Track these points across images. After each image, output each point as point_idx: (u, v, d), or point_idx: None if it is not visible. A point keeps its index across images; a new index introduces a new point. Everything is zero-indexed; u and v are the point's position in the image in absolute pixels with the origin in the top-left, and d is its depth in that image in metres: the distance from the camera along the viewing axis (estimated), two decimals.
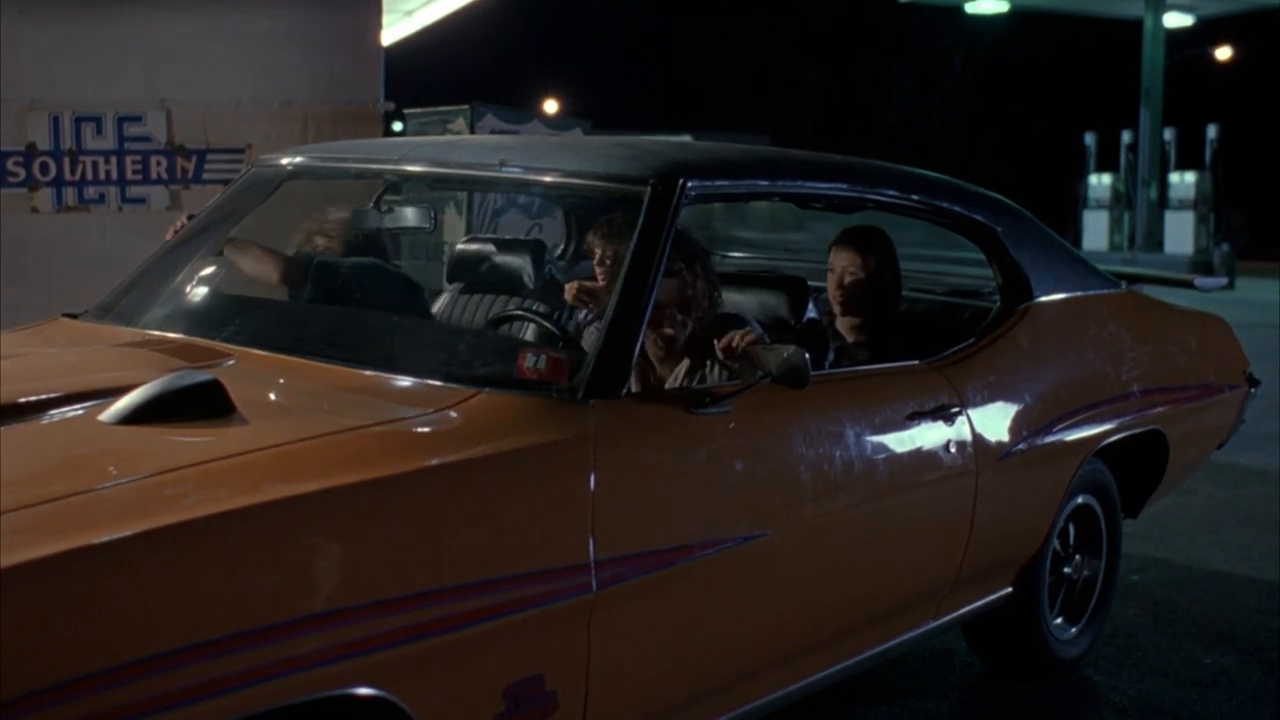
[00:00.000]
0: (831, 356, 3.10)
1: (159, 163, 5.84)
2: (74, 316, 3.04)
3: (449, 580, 2.00)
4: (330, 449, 2.07)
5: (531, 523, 2.15)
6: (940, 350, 3.19)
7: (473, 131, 7.04)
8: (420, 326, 3.22)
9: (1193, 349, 4.05)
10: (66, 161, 5.72)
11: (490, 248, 3.88)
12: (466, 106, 7.20)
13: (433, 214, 3.31)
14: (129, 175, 5.82)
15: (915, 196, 3.32)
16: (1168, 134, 22.94)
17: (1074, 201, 24.32)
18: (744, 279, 3.41)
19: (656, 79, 43.22)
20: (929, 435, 2.97)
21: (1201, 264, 19.98)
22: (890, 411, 2.90)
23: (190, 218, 3.42)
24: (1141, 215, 22.91)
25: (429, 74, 28.86)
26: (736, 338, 2.57)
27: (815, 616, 2.78)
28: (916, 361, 3.12)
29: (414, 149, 3.21)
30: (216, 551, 1.80)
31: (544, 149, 3.18)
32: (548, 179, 2.85)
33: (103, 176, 5.78)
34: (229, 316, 2.89)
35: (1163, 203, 22.46)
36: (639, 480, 2.33)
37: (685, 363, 2.81)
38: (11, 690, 1.57)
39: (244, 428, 2.14)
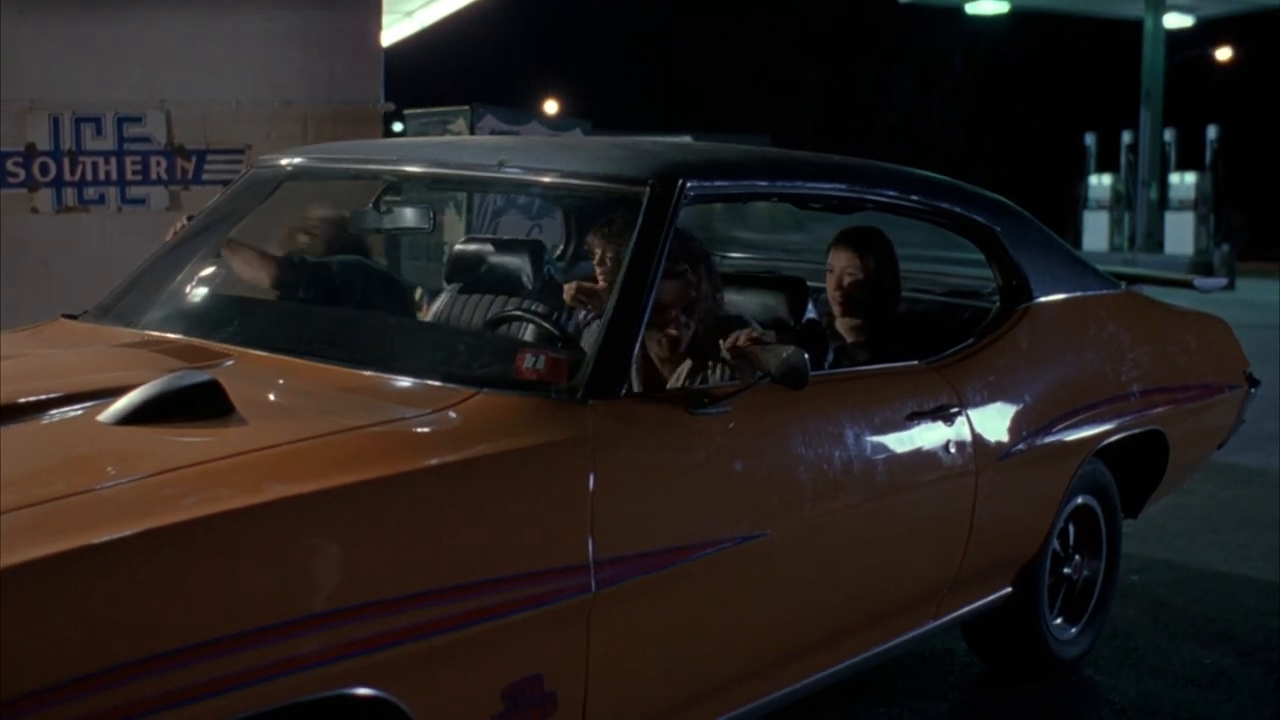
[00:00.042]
0: (831, 357, 3.10)
1: (159, 163, 5.84)
2: (73, 317, 3.04)
3: (448, 580, 2.00)
4: (329, 449, 2.07)
5: (530, 523, 2.15)
6: (940, 350, 3.19)
7: (472, 132, 7.04)
8: (419, 327, 3.23)
9: (1192, 349, 4.05)
10: (66, 162, 5.72)
11: (489, 248, 3.89)
12: (466, 107, 7.20)
13: (432, 214, 3.31)
14: (129, 176, 5.82)
15: (915, 197, 3.32)
16: (1168, 135, 22.94)
17: (1074, 202, 24.32)
18: (743, 280, 3.41)
19: (656, 79, 43.23)
20: (928, 435, 2.97)
21: (1202, 265, 19.97)
22: (890, 412, 2.90)
23: (190, 219, 3.43)
24: (1142, 216, 22.90)
25: (429, 74, 28.89)
26: (743, 336, 2.58)
27: (815, 616, 2.78)
28: (916, 362, 3.12)
29: (413, 150, 3.21)
30: (215, 552, 1.80)
31: (543, 149, 3.18)
32: (547, 180, 2.86)
33: (102, 177, 5.78)
34: (228, 317, 2.89)
35: (1163, 203, 22.45)
36: (638, 480, 2.34)
37: (687, 364, 2.81)
38: (11, 690, 1.57)
39: (243, 428, 2.15)
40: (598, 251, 3.51)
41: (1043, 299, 3.47)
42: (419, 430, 2.22)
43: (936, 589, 3.13)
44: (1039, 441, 3.29)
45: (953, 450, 3.02)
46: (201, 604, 1.75)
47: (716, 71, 40.61)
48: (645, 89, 42.80)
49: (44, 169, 5.70)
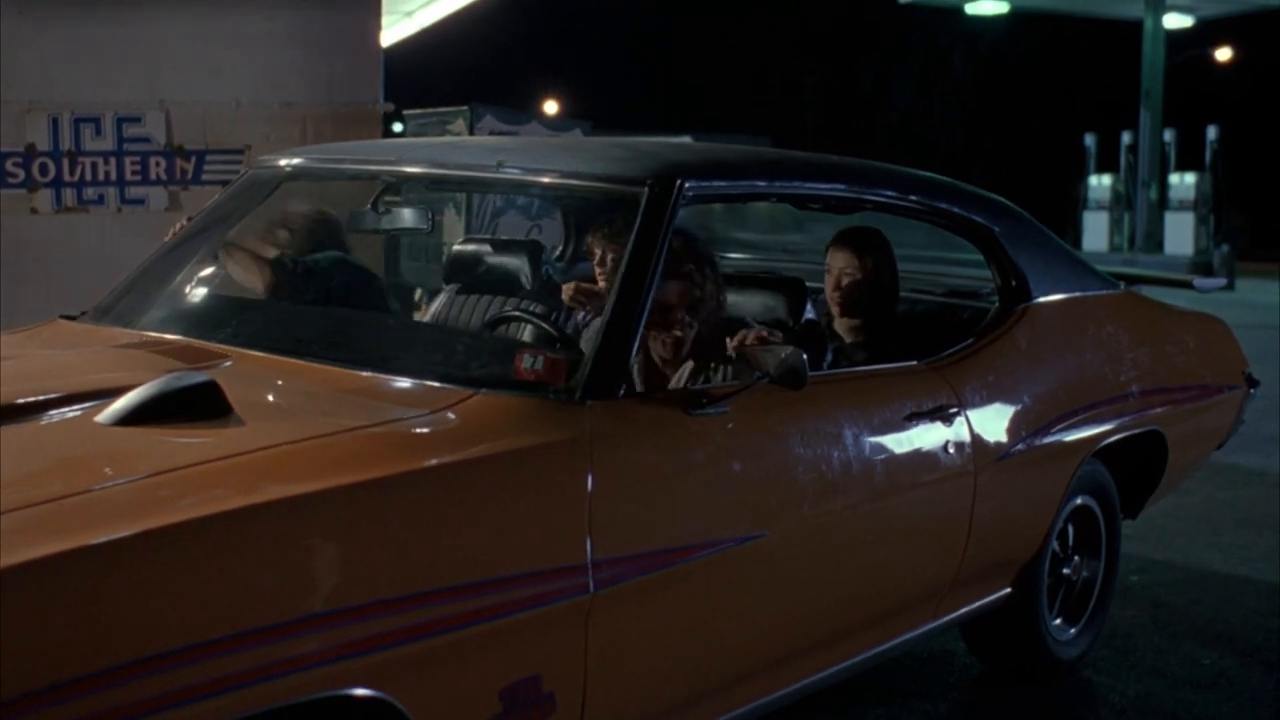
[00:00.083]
0: (829, 357, 3.10)
1: (158, 164, 5.84)
2: (72, 318, 3.04)
3: (446, 581, 2.00)
4: (327, 450, 2.07)
5: (529, 523, 2.15)
6: (938, 351, 3.19)
7: (472, 132, 7.05)
8: (417, 327, 3.23)
9: (1191, 349, 4.05)
10: (66, 162, 5.72)
11: (487, 249, 3.89)
12: (466, 107, 7.21)
13: (430, 215, 3.31)
14: (128, 176, 5.82)
15: (914, 197, 3.32)
16: (1168, 135, 22.93)
17: (1074, 202, 24.31)
18: (743, 280, 3.41)
19: (656, 80, 43.25)
20: (927, 436, 2.97)
21: (1201, 265, 19.97)
22: (888, 412, 2.90)
23: (190, 219, 3.42)
24: (1141, 216, 22.89)
25: (429, 75, 28.90)
26: (751, 336, 2.57)
27: (813, 617, 2.78)
28: (915, 362, 3.12)
29: (412, 150, 3.21)
30: (213, 552, 1.80)
31: (542, 150, 3.19)
32: (545, 180, 2.86)
33: (102, 177, 5.78)
34: (226, 318, 2.90)
35: (1163, 204, 22.44)
36: (637, 481, 2.33)
37: (690, 365, 2.81)
38: (11, 690, 1.57)
39: (241, 429, 2.15)
40: (598, 252, 3.51)
41: (1042, 299, 3.47)
42: (417, 431, 2.22)
43: (935, 589, 3.13)
44: (1038, 442, 3.29)
45: (951, 450, 3.01)
46: (200, 604, 1.75)
47: (716, 72, 40.63)
48: (645, 89, 42.83)
49: (43, 169, 5.70)
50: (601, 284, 3.48)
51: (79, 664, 1.63)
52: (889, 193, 3.25)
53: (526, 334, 3.09)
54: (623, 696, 2.35)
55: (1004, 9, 24.35)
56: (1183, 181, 21.85)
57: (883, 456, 2.84)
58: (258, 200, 3.31)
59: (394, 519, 1.99)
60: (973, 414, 3.09)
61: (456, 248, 4.01)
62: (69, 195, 5.75)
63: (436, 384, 2.36)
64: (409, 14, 10.12)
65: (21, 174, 5.66)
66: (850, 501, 2.76)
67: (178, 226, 3.44)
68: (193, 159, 5.88)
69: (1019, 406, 3.26)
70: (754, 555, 2.52)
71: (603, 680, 2.26)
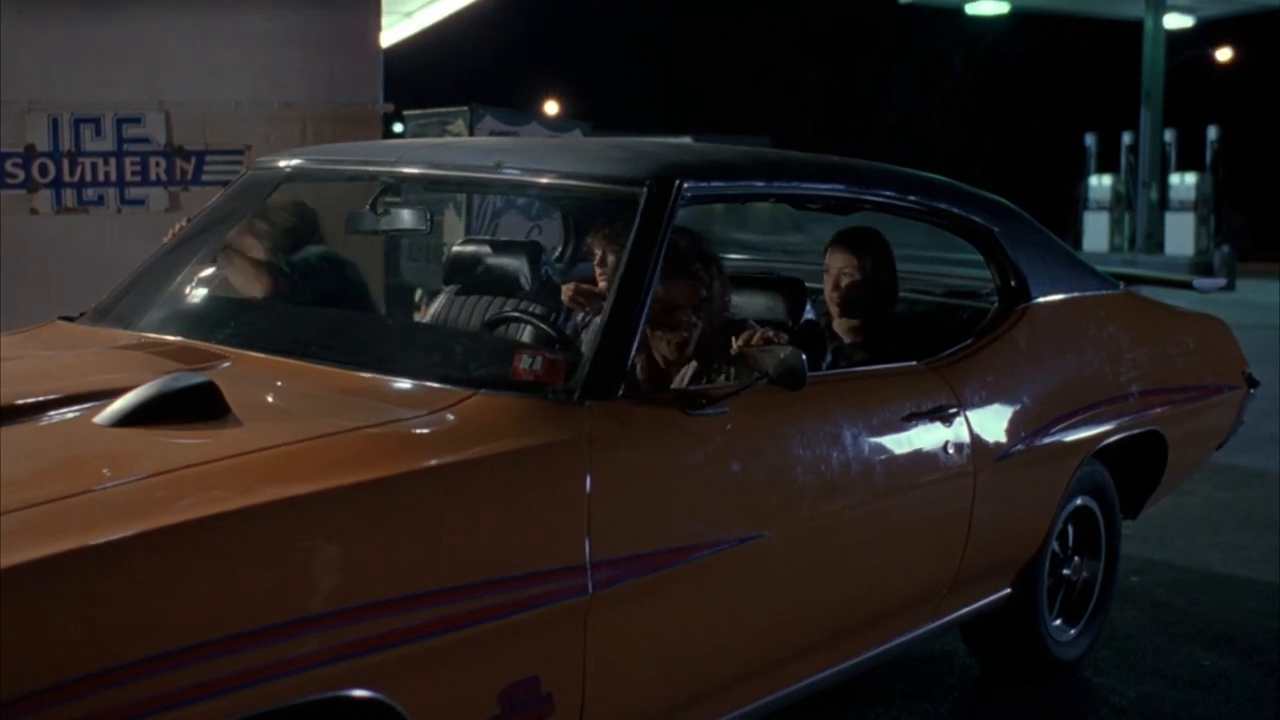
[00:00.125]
0: (829, 358, 3.10)
1: (158, 164, 5.84)
2: (71, 319, 3.04)
3: (444, 582, 2.00)
4: (325, 450, 2.07)
5: (527, 524, 2.15)
6: (938, 351, 3.19)
7: (472, 133, 7.05)
8: (416, 328, 3.22)
9: (1191, 350, 4.05)
10: (65, 163, 5.72)
11: (487, 249, 3.89)
12: (465, 108, 7.20)
13: (429, 216, 3.31)
14: (128, 177, 5.82)
15: (913, 198, 3.32)
16: (1168, 135, 22.93)
17: (1074, 203, 24.31)
18: (742, 281, 3.40)
19: (656, 80, 43.24)
20: (926, 436, 2.96)
21: (1202, 265, 19.96)
22: (888, 412, 2.90)
23: (189, 220, 3.43)
24: (1142, 217, 22.89)
25: (429, 75, 28.90)
26: (756, 335, 2.58)
27: (813, 618, 2.78)
28: (914, 362, 3.12)
29: (411, 151, 3.21)
30: (212, 553, 1.80)
31: (540, 151, 3.19)
32: (544, 181, 2.85)
33: (102, 178, 5.78)
34: (225, 319, 2.89)
35: (1163, 204, 22.44)
36: (635, 482, 2.33)
37: (693, 366, 2.81)
38: (11, 690, 1.57)
39: (239, 429, 2.14)
40: (598, 253, 3.51)
41: (1041, 299, 3.47)
42: (416, 431, 2.22)
43: (935, 590, 3.13)
44: (1037, 442, 3.29)
45: (951, 451, 3.01)
46: (198, 605, 1.75)
47: (716, 72, 40.63)
48: (645, 90, 42.82)
49: (43, 170, 5.70)
50: (602, 285, 3.48)
51: (78, 664, 1.63)
52: (888, 193, 3.25)
53: (526, 335, 3.09)
54: (621, 697, 2.35)
55: (1004, 9, 24.35)
56: (1183, 182, 21.85)
57: (882, 457, 2.84)
58: (257, 201, 3.31)
59: (392, 520, 1.99)
60: (972, 414, 3.09)
61: (456, 248, 4.01)
62: (69, 196, 5.75)
63: (435, 385, 2.36)
64: (409, 14, 10.12)
65: (21, 174, 5.66)
66: (849, 502, 2.76)
67: (176, 228, 3.44)
68: (192, 159, 5.89)
69: (1018, 407, 3.26)
70: (753, 556, 2.52)
71: (601, 681, 2.26)
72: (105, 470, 1.96)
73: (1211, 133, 21.91)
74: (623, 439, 2.33)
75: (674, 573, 2.35)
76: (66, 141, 5.72)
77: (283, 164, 3.25)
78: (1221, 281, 5.26)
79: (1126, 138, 23.74)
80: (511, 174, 2.86)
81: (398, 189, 3.61)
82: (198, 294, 3.09)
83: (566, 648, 2.20)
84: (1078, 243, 22.64)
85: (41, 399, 2.26)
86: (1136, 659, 3.84)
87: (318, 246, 3.53)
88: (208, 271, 3.15)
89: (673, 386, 2.79)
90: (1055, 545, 3.55)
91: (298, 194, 3.53)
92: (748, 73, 39.87)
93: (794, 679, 2.77)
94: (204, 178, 5.85)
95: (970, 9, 24.55)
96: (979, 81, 36.56)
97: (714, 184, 2.78)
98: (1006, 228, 3.48)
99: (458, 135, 7.08)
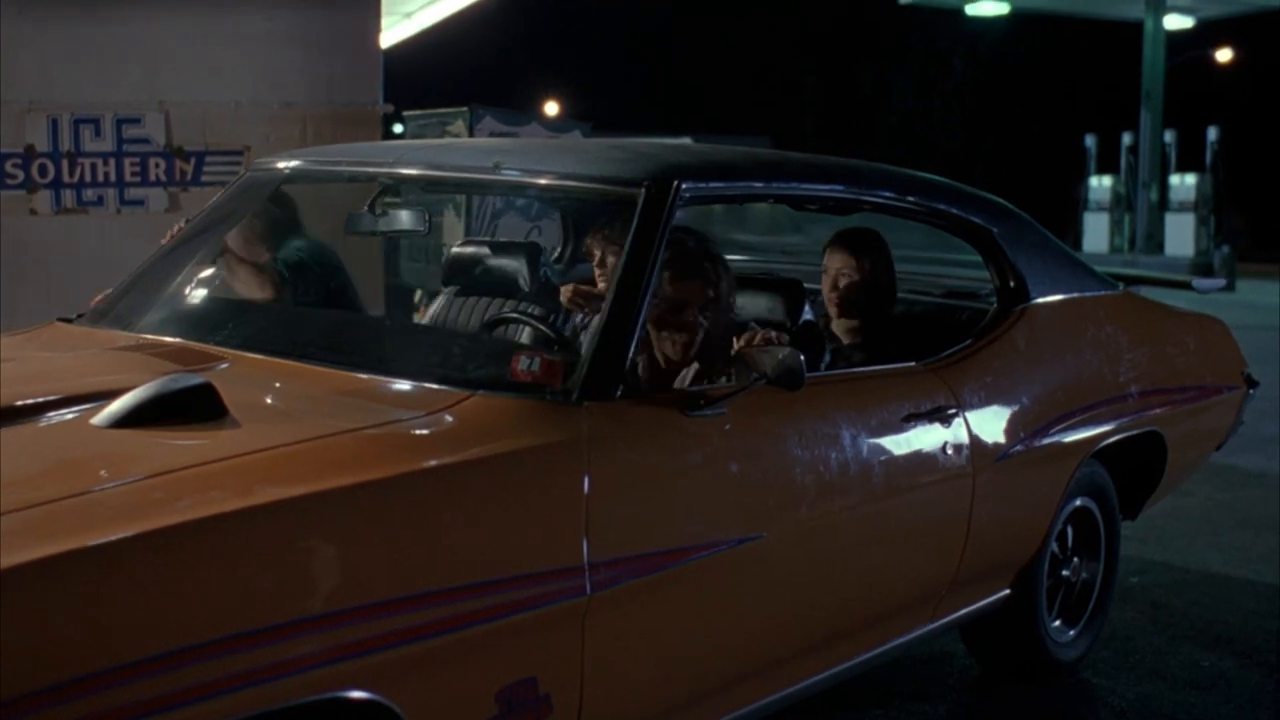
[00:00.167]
0: (827, 359, 3.10)
1: (157, 165, 5.84)
2: (69, 321, 3.04)
3: (442, 583, 2.00)
4: (323, 451, 2.07)
5: (525, 525, 2.15)
6: (937, 352, 3.18)
7: (471, 133, 7.05)
8: (414, 329, 3.22)
9: (1190, 350, 4.04)
10: (65, 163, 5.72)
11: (486, 250, 3.89)
12: (465, 108, 7.21)
13: (427, 217, 3.31)
14: (127, 177, 5.82)
15: (912, 198, 3.31)
16: (1168, 136, 22.92)
17: (1074, 204, 24.30)
18: (741, 281, 3.40)
19: (657, 81, 43.25)
20: (925, 437, 2.96)
21: (1202, 266, 19.96)
22: (886, 413, 2.90)
23: (187, 221, 3.43)
24: (1142, 217, 22.88)
25: (429, 76, 28.90)
26: (759, 336, 2.58)
27: (811, 619, 2.78)
28: (913, 363, 3.11)
29: (409, 152, 3.21)
30: (209, 554, 1.80)
31: (539, 151, 3.18)
32: (542, 181, 2.85)
33: (101, 178, 5.78)
34: (223, 320, 2.90)
35: (1163, 205, 22.43)
36: (633, 482, 2.33)
37: (694, 366, 2.80)
38: (10, 690, 1.58)
39: (236, 430, 2.14)
40: (597, 254, 3.51)
41: (1040, 300, 3.46)
42: (414, 432, 2.22)
43: (934, 591, 3.12)
44: (1036, 443, 3.29)
45: (950, 452, 3.01)
46: (195, 607, 1.75)
47: (716, 73, 40.63)
48: (645, 90, 42.83)
49: (43, 170, 5.70)
50: (601, 286, 3.48)
51: (77, 665, 1.63)
52: (887, 194, 3.25)
53: (524, 336, 3.08)
54: (619, 698, 2.35)
55: (1004, 10, 24.35)
56: (1183, 183, 21.84)
57: (880, 458, 2.84)
58: (256, 202, 3.31)
59: (390, 521, 1.99)
60: (971, 415, 3.09)
61: (455, 250, 4.01)
62: (68, 196, 5.75)
63: (433, 386, 2.36)
64: (409, 15, 10.12)
65: (21, 175, 5.66)
66: (848, 503, 2.75)
67: (175, 229, 3.44)
68: (192, 160, 5.88)
69: (1017, 407, 3.25)
70: (751, 557, 2.51)
71: (599, 682, 2.26)
72: (103, 471, 1.96)
73: (1211, 133, 21.90)
74: (621, 440, 2.33)
75: (672, 574, 2.35)
76: (66, 142, 5.72)
77: (281, 165, 3.25)
78: (1220, 282, 5.25)
79: (1126, 138, 23.74)
80: (510, 175, 2.86)
81: (397, 190, 3.61)
82: (196, 295, 3.09)
83: (564, 649, 2.19)
84: (1078, 244, 22.64)
85: (40, 400, 2.25)
86: (1136, 660, 3.84)
87: (298, 240, 3.56)
88: (206, 273, 3.15)
89: (675, 387, 2.78)
90: (1054, 546, 3.55)
91: (319, 203, 3.57)
92: (748, 73, 39.87)
93: (792, 680, 2.77)
94: (203, 178, 5.85)
95: (970, 10, 24.55)
96: (979, 82, 36.56)
97: (712, 185, 2.78)
98: (1005, 228, 3.48)
99: (457, 136, 7.08)
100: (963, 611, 3.27)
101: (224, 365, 2.52)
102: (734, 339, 2.65)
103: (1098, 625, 3.79)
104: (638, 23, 43.58)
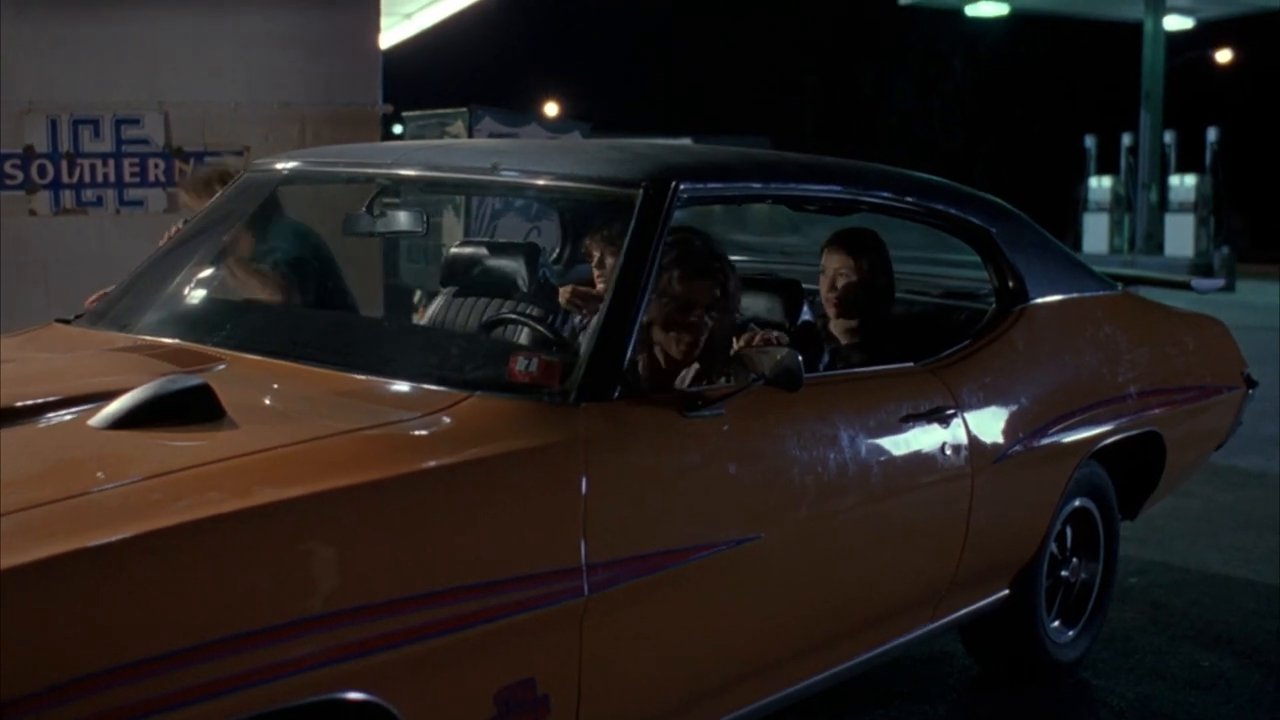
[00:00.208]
0: (826, 359, 3.09)
1: (156, 165, 5.85)
2: (67, 322, 3.04)
3: (440, 584, 2.00)
4: (321, 453, 2.06)
5: (523, 526, 2.14)
6: (935, 352, 3.18)
7: (471, 134, 7.05)
8: (412, 330, 3.22)
9: (1190, 350, 4.04)
10: (64, 164, 5.73)
11: (484, 251, 3.88)
12: (464, 109, 7.21)
13: (425, 218, 3.31)
14: (126, 178, 5.83)
15: (910, 199, 3.31)
16: (1168, 137, 22.93)
17: (1074, 204, 24.31)
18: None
19: (656, 81, 43.28)
20: (924, 438, 2.96)
21: (1202, 267, 19.95)
22: (885, 414, 2.89)
23: (185, 222, 3.43)
24: (1142, 218, 22.89)
25: (428, 76, 28.89)
26: (758, 337, 2.57)
27: (810, 620, 2.77)
28: (911, 364, 3.11)
29: (407, 153, 3.21)
30: (206, 555, 1.80)
31: (537, 152, 3.18)
32: (540, 182, 2.85)
33: (100, 179, 5.79)
34: (221, 321, 2.89)
35: (1163, 205, 22.43)
36: (631, 483, 2.33)
37: (695, 367, 2.80)
38: (11, 691, 1.58)
39: (234, 432, 2.14)
40: (596, 254, 3.51)
41: (1039, 300, 3.46)
42: (411, 433, 2.22)
43: (933, 592, 3.12)
44: (1035, 444, 3.28)
45: (948, 452, 3.01)
46: (193, 608, 1.75)
47: (716, 73, 40.65)
48: (645, 91, 42.85)
49: (42, 171, 5.71)
50: (600, 286, 3.48)
51: (74, 666, 1.63)
52: (885, 194, 3.25)
53: (523, 337, 3.08)
54: (617, 700, 2.35)
55: (1004, 11, 24.36)
56: (1183, 183, 21.84)
57: (879, 458, 2.83)
58: (254, 204, 3.31)
59: (387, 522, 1.98)
60: (969, 416, 3.09)
61: (454, 250, 4.01)
62: (67, 197, 5.76)
63: (431, 386, 2.36)
64: (408, 16, 10.12)
65: (20, 176, 5.67)
66: (846, 503, 2.75)
67: (173, 230, 3.44)
68: (191, 160, 5.89)
69: (1016, 408, 3.25)
70: (749, 558, 2.51)
71: (597, 683, 2.26)
72: (101, 473, 1.96)
73: (1211, 134, 21.91)
74: (619, 441, 2.33)
75: (670, 575, 2.34)
76: (65, 143, 5.73)
77: (279, 166, 3.25)
78: (1220, 282, 5.25)
79: (1126, 139, 23.75)
80: (508, 176, 2.86)
81: (396, 191, 3.61)
82: (194, 296, 3.08)
83: (562, 650, 2.19)
84: (1077, 244, 22.63)
85: (38, 401, 2.25)
86: (1135, 660, 3.83)
87: (286, 225, 3.56)
88: (204, 274, 3.14)
89: (674, 387, 2.78)
90: (1053, 546, 3.54)
91: (317, 205, 3.57)
92: (748, 74, 39.87)
93: (791, 680, 2.77)
94: None
95: (970, 10, 24.56)
96: (979, 83, 36.56)
97: (710, 185, 2.77)
98: (1004, 229, 3.48)
99: (456, 136, 7.08)
100: (962, 612, 3.27)
101: (221, 366, 2.52)
102: (734, 339, 2.65)
103: (1097, 626, 3.79)
104: (638, 23, 43.62)
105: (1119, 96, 27.66)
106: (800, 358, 2.46)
